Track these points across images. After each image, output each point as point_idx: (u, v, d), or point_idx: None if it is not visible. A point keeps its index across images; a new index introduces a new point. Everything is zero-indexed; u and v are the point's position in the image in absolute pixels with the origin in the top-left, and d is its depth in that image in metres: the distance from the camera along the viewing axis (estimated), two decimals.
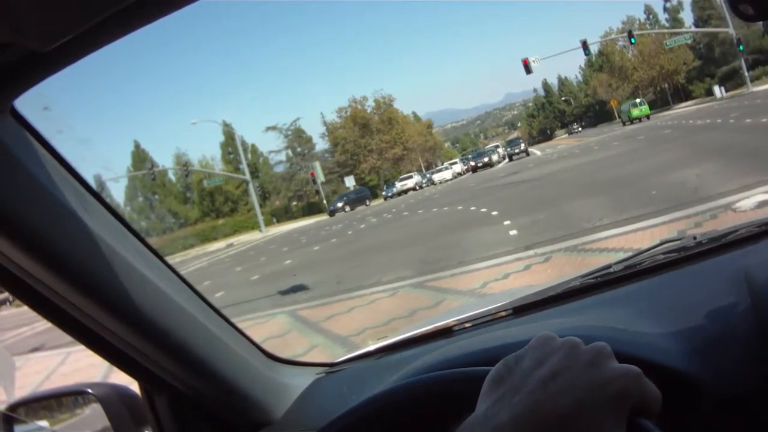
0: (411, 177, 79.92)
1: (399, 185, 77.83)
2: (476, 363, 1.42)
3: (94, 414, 2.17)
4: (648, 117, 70.93)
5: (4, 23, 0.91)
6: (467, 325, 2.22)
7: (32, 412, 2.43)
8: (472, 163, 78.56)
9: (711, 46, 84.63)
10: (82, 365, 14.13)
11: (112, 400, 2.02)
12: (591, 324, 1.74)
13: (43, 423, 2.50)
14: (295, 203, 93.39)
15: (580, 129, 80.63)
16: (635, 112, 73.08)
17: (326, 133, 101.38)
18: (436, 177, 78.49)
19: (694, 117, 43.65)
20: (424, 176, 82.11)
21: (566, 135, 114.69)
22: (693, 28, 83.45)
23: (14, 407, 2.37)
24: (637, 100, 76.56)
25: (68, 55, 1.11)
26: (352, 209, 67.26)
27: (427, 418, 1.27)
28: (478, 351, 1.72)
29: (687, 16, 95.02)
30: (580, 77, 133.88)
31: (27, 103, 1.24)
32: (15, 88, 1.17)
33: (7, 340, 25.16)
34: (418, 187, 75.47)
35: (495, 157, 79.99)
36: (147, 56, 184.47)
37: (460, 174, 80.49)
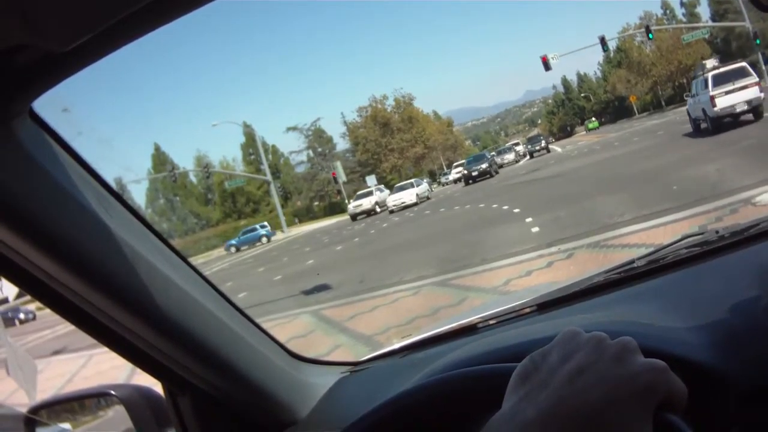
0: (370, 194, 60.10)
1: (352, 206, 59.40)
2: (502, 360, 1.41)
3: (117, 416, 2.17)
4: (597, 128, 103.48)
5: (22, 24, 0.91)
6: (492, 322, 2.22)
7: (54, 414, 2.43)
8: (465, 172, 59.39)
9: (728, 41, 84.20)
10: (105, 367, 14.21)
11: (136, 401, 2.02)
12: (616, 319, 1.73)
13: (66, 425, 2.50)
14: (317, 203, 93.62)
15: (539, 147, 71.53)
16: (590, 126, 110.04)
17: (347, 133, 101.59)
18: (392, 199, 53.68)
19: None
20: (406, 187, 56.40)
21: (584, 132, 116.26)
22: (710, 23, 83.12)
23: (36, 410, 2.37)
24: (592, 118, 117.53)
25: (86, 56, 1.11)
26: None
27: (453, 416, 1.27)
28: (504, 348, 1.71)
29: (704, 11, 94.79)
30: (599, 73, 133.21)
31: (46, 105, 1.24)
32: (33, 89, 1.17)
33: (28, 343, 25.32)
34: (377, 209, 56.56)
35: (511, 156, 72.41)
36: (165, 57, 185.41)
37: (458, 181, 65.77)
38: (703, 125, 27.41)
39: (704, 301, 1.64)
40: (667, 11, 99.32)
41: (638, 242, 11.68)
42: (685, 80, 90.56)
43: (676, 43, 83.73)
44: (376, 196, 58.47)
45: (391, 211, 50.50)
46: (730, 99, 24.80)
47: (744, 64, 27.18)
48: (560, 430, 0.85)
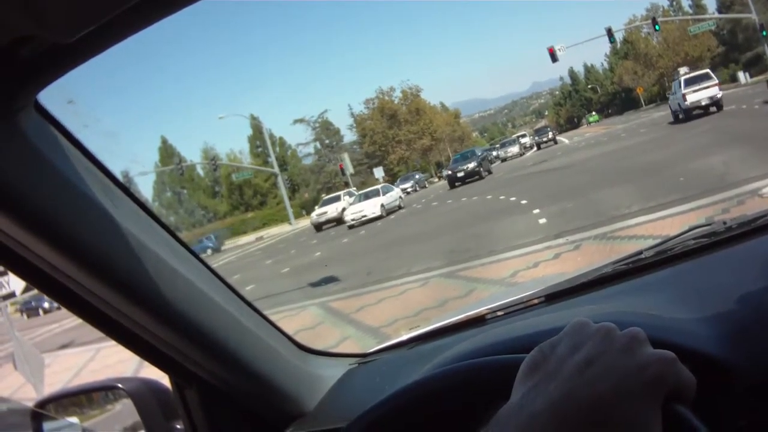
0: (337, 199, 50.21)
1: (315, 214, 49.37)
2: (510, 351, 1.41)
3: (124, 409, 2.18)
4: (598, 121, 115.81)
5: (26, 15, 0.90)
6: (500, 313, 2.21)
7: (62, 408, 2.43)
8: (449, 172, 50.66)
9: (734, 32, 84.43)
10: (112, 361, 14.29)
11: (143, 394, 2.02)
12: (624, 310, 1.72)
13: (73, 419, 2.50)
14: (324, 195, 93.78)
15: (547, 139, 71.56)
16: (591, 119, 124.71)
17: (354, 125, 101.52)
18: (350, 212, 41.85)
19: None
20: (371, 195, 44.42)
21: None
22: (716, 14, 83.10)
23: (43, 404, 2.38)
24: (593, 113, 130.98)
25: (91, 47, 1.10)
26: None
27: (461, 407, 1.26)
28: (512, 339, 1.70)
29: (710, 2, 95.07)
30: (606, 65, 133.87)
31: (51, 97, 1.23)
32: (38, 81, 1.16)
33: (36, 338, 25.41)
34: (347, 215, 42.20)
35: (515, 149, 69.01)
36: (172, 49, 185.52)
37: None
38: (680, 116, 38.28)
39: (712, 292, 1.63)
40: (674, 3, 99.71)
41: (645, 234, 11.71)
42: None
43: (683, 34, 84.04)
44: (344, 202, 48.22)
45: (351, 227, 39.70)
46: (697, 96, 35.89)
47: (708, 71, 39.52)
48: (569, 420, 0.85)
